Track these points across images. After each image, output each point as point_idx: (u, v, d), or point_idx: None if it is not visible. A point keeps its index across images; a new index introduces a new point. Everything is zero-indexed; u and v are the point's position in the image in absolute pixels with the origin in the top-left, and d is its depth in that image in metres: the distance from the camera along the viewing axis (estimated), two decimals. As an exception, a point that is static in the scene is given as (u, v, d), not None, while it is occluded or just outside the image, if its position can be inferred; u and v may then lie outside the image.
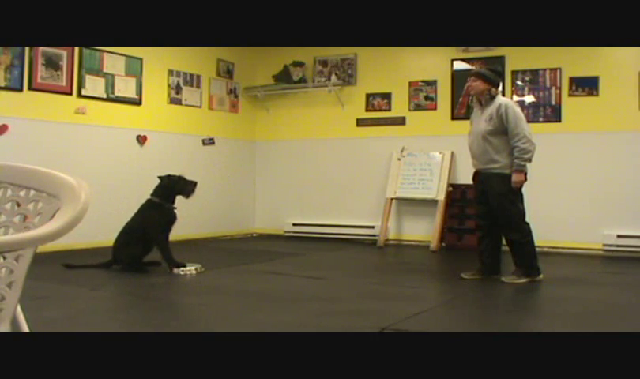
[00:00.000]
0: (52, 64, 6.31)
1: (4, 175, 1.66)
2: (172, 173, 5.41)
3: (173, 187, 5.30)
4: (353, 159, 8.16)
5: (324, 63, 8.37)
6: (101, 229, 6.10)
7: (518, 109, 4.89)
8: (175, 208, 5.30)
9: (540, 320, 3.90)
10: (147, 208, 5.26)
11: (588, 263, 6.25)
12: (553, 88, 7.12)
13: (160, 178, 5.34)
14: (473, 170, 5.10)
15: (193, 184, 5.35)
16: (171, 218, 5.26)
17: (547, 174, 6.76)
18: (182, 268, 5.08)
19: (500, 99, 4.92)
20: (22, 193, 1.62)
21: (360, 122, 8.13)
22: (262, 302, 4.13)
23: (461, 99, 7.57)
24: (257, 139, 8.83)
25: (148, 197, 5.30)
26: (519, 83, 7.28)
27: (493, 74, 5.05)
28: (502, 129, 4.80)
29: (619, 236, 6.68)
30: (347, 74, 8.23)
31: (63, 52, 6.42)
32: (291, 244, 7.63)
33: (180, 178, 5.35)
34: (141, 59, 7.18)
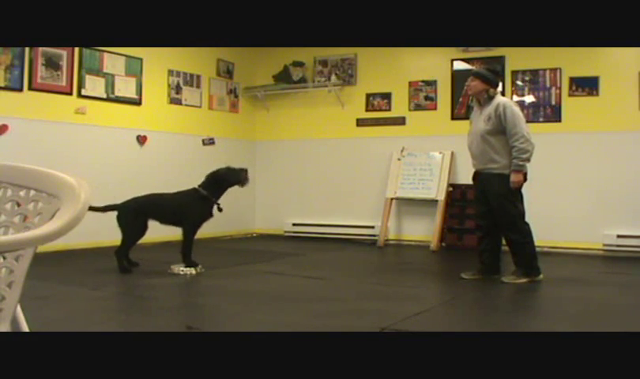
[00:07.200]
0: (52, 64, 6.31)
1: (4, 175, 1.66)
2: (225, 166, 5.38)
3: (229, 178, 5.26)
4: (353, 159, 8.15)
5: (324, 63, 8.37)
6: (101, 229, 6.08)
7: (517, 109, 4.88)
8: (220, 205, 5.28)
9: (540, 320, 3.90)
10: (193, 199, 5.19)
11: (588, 263, 6.24)
12: (553, 88, 7.12)
13: (213, 172, 5.29)
14: (473, 170, 5.10)
15: (245, 171, 5.34)
16: (208, 214, 5.25)
17: (547, 174, 6.75)
18: (182, 268, 5.09)
19: (499, 98, 4.91)
20: (22, 193, 1.62)
21: (360, 122, 8.14)
22: (262, 302, 4.13)
23: (460, 99, 7.57)
24: (257, 139, 8.83)
25: (195, 186, 5.25)
26: (519, 83, 7.28)
27: (492, 74, 5.05)
28: (500, 129, 4.79)
29: (619, 236, 6.68)
30: (347, 74, 8.23)
31: (63, 52, 6.42)
32: (291, 244, 7.63)
33: (235, 169, 5.32)
34: (141, 59, 7.18)
